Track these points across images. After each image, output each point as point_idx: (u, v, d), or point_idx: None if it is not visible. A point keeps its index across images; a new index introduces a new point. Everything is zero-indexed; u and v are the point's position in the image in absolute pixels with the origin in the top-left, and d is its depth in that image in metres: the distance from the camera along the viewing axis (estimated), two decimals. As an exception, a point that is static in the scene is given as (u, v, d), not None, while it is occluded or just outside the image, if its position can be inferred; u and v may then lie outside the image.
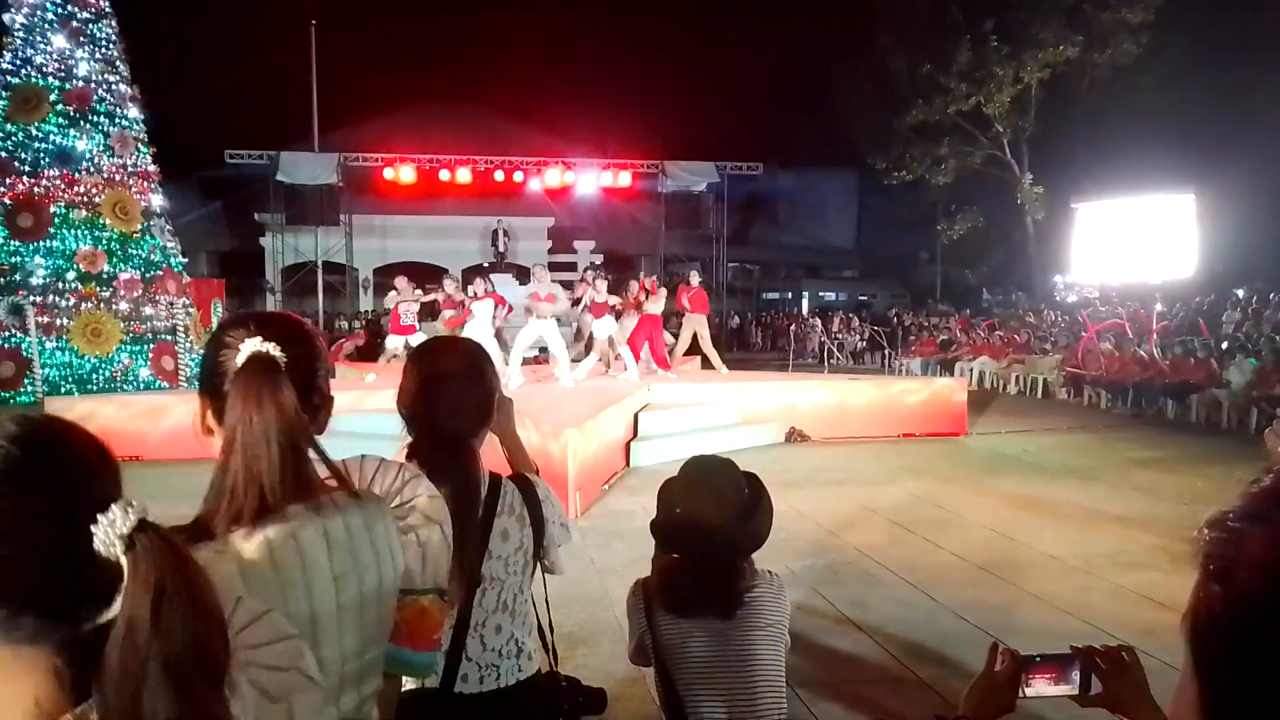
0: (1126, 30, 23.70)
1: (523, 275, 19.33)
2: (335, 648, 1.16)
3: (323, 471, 1.23)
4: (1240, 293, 20.59)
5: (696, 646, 1.81)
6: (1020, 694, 1.23)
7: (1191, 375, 13.27)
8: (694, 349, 13.75)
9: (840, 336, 24.92)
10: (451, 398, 1.72)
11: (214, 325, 16.13)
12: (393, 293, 12.39)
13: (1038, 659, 1.24)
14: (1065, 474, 8.81)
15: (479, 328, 11.11)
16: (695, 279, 12.89)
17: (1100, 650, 1.24)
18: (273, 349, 1.15)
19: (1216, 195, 21.99)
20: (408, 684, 1.70)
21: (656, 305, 12.18)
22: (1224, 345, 14.48)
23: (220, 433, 1.15)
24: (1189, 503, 7.40)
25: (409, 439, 1.78)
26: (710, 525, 1.80)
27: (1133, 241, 23.61)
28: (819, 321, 26.40)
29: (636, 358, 11.97)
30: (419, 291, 12.36)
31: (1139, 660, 1.24)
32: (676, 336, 13.48)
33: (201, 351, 1.24)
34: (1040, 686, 1.23)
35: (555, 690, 1.90)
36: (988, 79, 24.60)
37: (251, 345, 1.15)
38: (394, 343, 12.06)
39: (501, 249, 26.28)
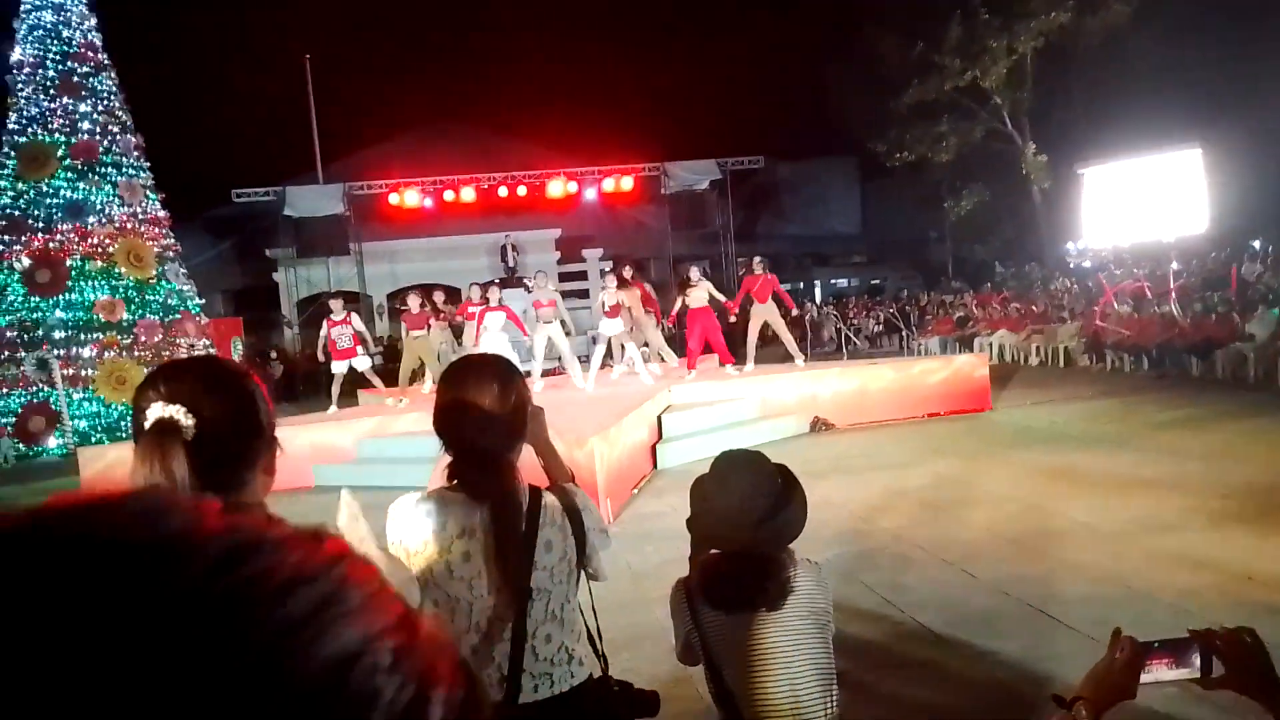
0: (1117, -10, 23.54)
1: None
2: None
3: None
4: (1257, 244, 20.39)
5: (745, 639, 1.85)
6: (1140, 680, 1.25)
7: (1213, 332, 13.16)
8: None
9: (856, 322, 24.85)
10: (484, 414, 1.77)
11: (235, 363, 16.30)
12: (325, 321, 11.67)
13: (1156, 645, 1.24)
14: (1093, 441, 8.78)
15: (494, 338, 11.19)
16: (759, 267, 12.02)
17: (1220, 633, 1.25)
18: (176, 412, 1.15)
19: (1223, 148, 21.81)
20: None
21: (699, 298, 11.79)
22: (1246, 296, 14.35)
23: None
24: (1220, 461, 7.37)
25: (447, 459, 1.84)
26: (747, 518, 1.84)
27: (1142, 202, 23.46)
28: (833, 309, 26.33)
29: (693, 365, 11.87)
30: (353, 314, 11.76)
31: (1261, 641, 1.24)
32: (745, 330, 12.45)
33: None
34: (1160, 671, 1.23)
35: (608, 694, 1.94)
36: (981, 53, 24.47)
37: (155, 411, 1.16)
38: (338, 368, 11.50)
39: (511, 264, 26.39)
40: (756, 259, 12.34)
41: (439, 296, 12.36)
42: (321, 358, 11.81)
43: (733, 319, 12.63)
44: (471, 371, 1.83)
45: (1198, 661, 1.24)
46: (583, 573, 1.91)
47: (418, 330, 11.84)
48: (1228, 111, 21.52)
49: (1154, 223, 22.98)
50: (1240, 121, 21.25)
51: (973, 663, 3.95)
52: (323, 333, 11.60)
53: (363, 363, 11.63)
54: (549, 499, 1.85)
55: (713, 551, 1.93)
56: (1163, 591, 4.50)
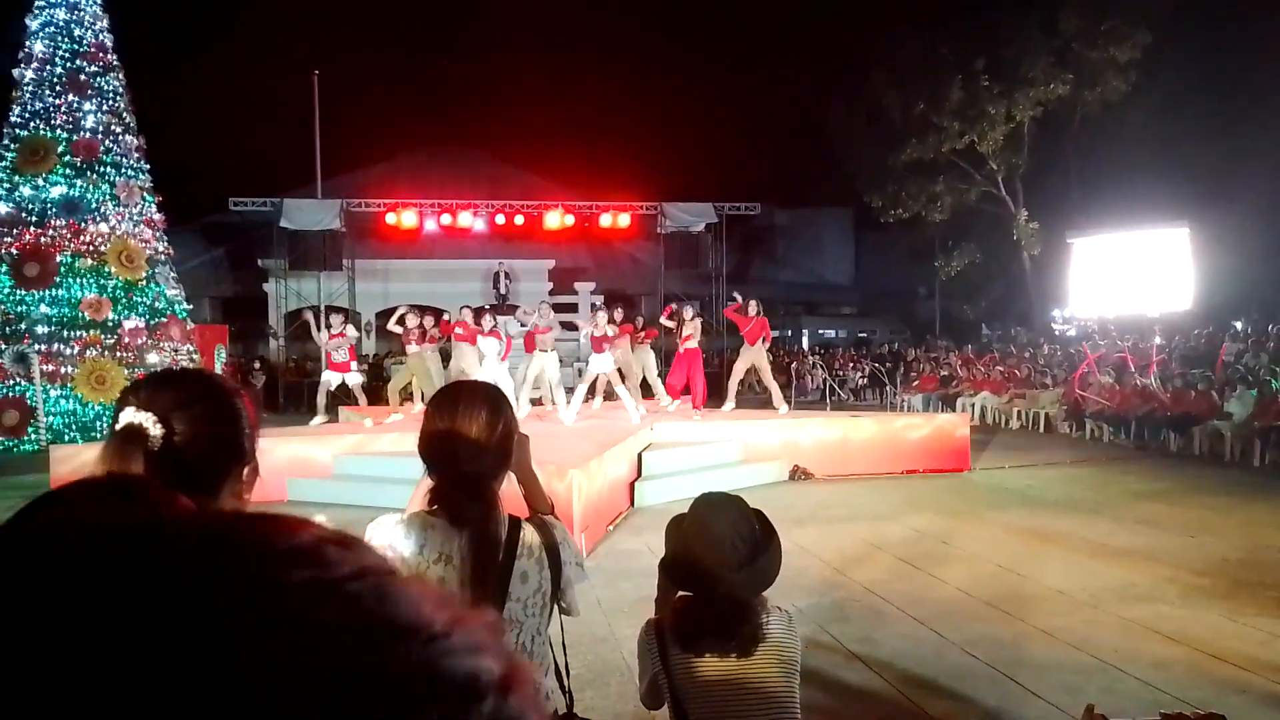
0: (1115, 68, 24.07)
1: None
2: None
3: None
4: (1239, 324, 20.69)
5: (713, 684, 1.84)
6: None
7: (1193, 407, 13.30)
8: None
9: (841, 373, 24.97)
10: (472, 441, 1.76)
11: (216, 371, 16.21)
12: (324, 331, 11.86)
13: None
14: (1070, 508, 8.81)
15: (489, 365, 11.30)
16: (752, 309, 12.08)
17: (1191, 717, 1.25)
18: (146, 421, 1.13)
19: (1211, 228, 22.19)
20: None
21: (692, 340, 12.02)
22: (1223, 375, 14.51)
23: None
24: (1194, 535, 7.41)
25: (429, 482, 1.83)
26: (726, 562, 1.84)
27: (1129, 275, 23.78)
28: (820, 359, 26.45)
29: (676, 395, 12.08)
30: (350, 327, 11.93)
31: None
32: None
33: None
34: None
35: (572, 731, 1.92)
36: (980, 117, 24.92)
37: (126, 416, 1.13)
38: (328, 378, 11.72)
39: (503, 291, 26.43)
40: (751, 301, 12.34)
41: (429, 320, 12.41)
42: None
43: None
44: (462, 397, 1.83)
45: None
46: (555, 606, 1.90)
47: (415, 347, 11.90)
48: (1216, 193, 21.95)
49: (1139, 296, 23.30)
50: (1227, 204, 21.67)
51: (939, 723, 3.92)
52: (320, 339, 11.86)
53: (354, 379, 11.78)
54: (528, 530, 1.84)
55: (682, 594, 1.92)
56: (1132, 664, 4.50)
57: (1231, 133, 22.31)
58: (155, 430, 1.12)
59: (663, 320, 13.38)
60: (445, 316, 12.87)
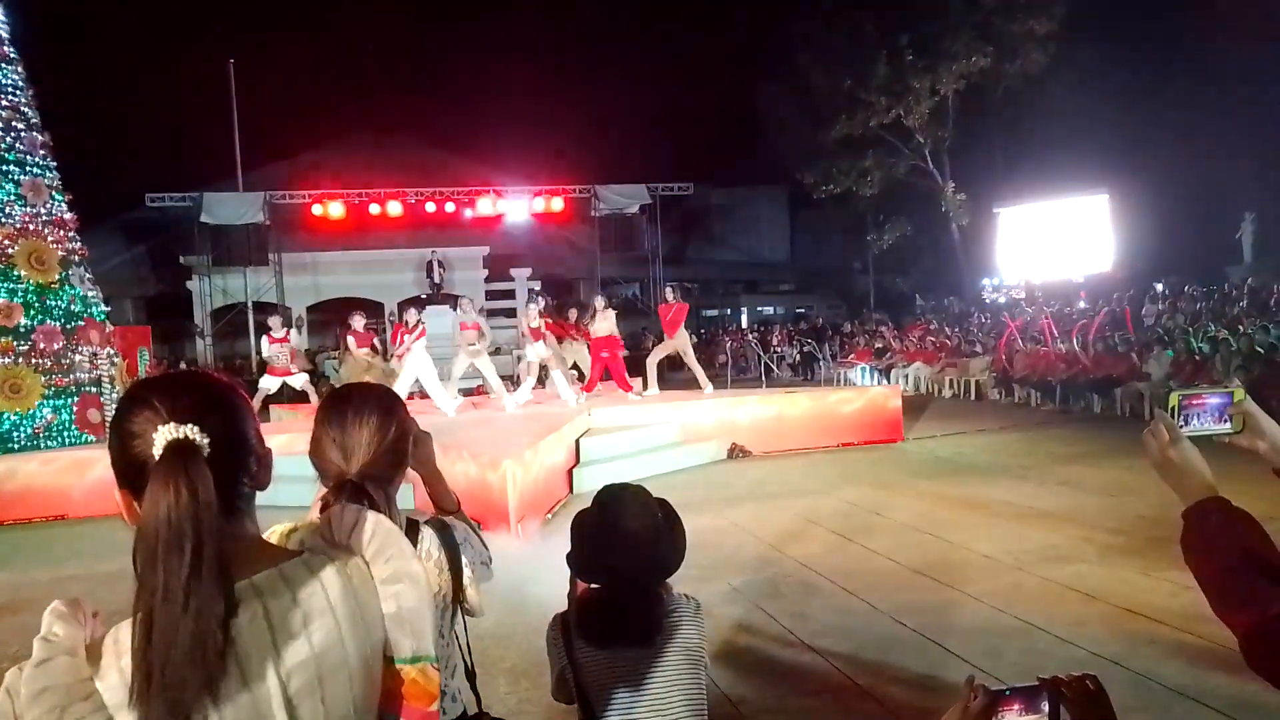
0: (1034, 40, 24.66)
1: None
2: None
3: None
4: (1159, 286, 21.45)
5: (618, 676, 1.84)
6: None
7: (1113, 369, 13.76)
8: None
9: (779, 350, 25.24)
10: (364, 444, 1.73)
11: (140, 374, 15.67)
12: (264, 338, 12.25)
13: (1008, 691, 1.28)
14: (997, 473, 9.06)
15: (419, 362, 11.28)
16: (670, 295, 12.22)
17: (1065, 680, 1.30)
18: (192, 433, 1.07)
19: (1129, 194, 22.97)
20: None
21: (605, 327, 12.08)
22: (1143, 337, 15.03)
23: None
24: (1114, 495, 7.68)
25: (323, 489, 1.79)
26: (626, 553, 1.84)
27: (1054, 241, 24.54)
28: (757, 337, 26.70)
29: (592, 383, 12.09)
30: (290, 330, 12.42)
31: (1103, 688, 1.30)
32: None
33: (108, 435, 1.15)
34: (1010, 717, 1.27)
35: (482, 731, 1.91)
36: (906, 92, 25.33)
37: (168, 432, 1.07)
38: (266, 384, 11.90)
39: (437, 280, 26.07)
40: (669, 287, 12.62)
41: (358, 320, 12.55)
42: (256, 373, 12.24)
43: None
44: (351, 401, 1.79)
45: (1046, 708, 1.29)
46: (459, 608, 1.88)
47: (364, 349, 12.32)
48: (1134, 160, 22.67)
49: (1064, 261, 24.05)
50: (1144, 170, 22.40)
51: (863, 694, 4.00)
52: (265, 351, 12.11)
53: (298, 380, 12.01)
54: (426, 533, 1.81)
55: (591, 586, 1.92)
56: (1052, 623, 4.65)
57: (1147, 101, 23.01)
58: (203, 440, 1.08)
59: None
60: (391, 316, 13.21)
